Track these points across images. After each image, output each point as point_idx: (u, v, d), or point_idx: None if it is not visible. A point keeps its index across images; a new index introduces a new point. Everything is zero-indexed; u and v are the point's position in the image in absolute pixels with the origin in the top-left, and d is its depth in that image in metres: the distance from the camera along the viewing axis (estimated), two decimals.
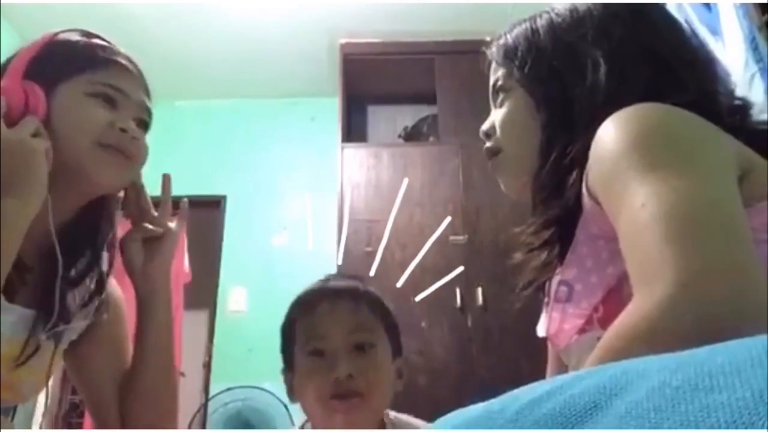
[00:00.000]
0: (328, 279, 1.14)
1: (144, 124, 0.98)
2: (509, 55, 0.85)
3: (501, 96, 0.87)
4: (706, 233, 0.51)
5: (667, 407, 0.31)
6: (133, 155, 0.94)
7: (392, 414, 1.08)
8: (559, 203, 0.73)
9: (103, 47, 0.97)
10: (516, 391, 0.40)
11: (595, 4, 0.82)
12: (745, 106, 0.78)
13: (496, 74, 0.88)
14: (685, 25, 0.85)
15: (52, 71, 0.91)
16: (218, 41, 3.65)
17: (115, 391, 1.01)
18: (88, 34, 1.00)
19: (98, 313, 1.00)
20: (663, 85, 0.73)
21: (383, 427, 1.05)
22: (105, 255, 1.01)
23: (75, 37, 0.98)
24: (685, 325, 0.46)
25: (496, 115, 0.88)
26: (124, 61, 0.97)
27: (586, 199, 0.68)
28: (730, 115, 0.73)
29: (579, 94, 0.76)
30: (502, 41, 0.88)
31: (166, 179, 1.08)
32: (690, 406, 0.30)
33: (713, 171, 0.58)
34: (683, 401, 0.31)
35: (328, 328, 1.02)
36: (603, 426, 0.33)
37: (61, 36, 0.97)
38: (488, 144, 0.89)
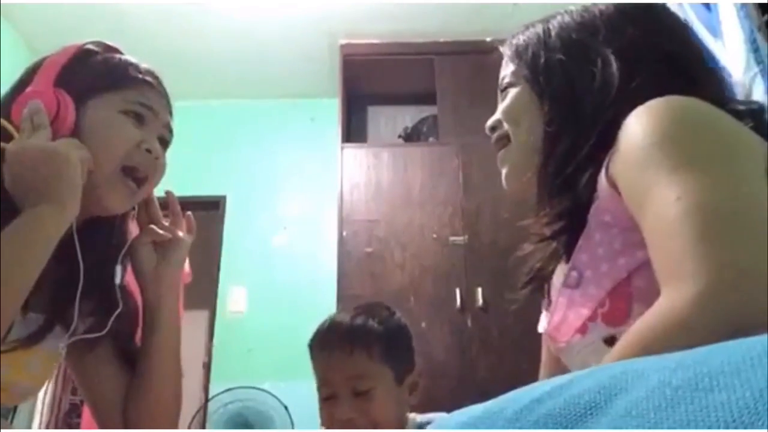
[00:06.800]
0: (332, 319, 1.22)
1: (165, 143, 1.01)
2: (519, 52, 0.86)
3: (506, 92, 0.88)
4: (740, 233, 0.52)
5: (666, 407, 0.31)
6: (150, 176, 0.97)
7: (419, 418, 1.17)
8: (570, 196, 0.74)
9: (133, 65, 0.98)
10: (516, 392, 0.40)
11: (607, 6, 0.83)
12: (760, 110, 0.78)
13: (505, 71, 0.89)
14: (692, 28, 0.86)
15: (84, 85, 0.92)
16: (219, 42, 3.65)
17: (120, 397, 1.00)
18: (115, 49, 1.00)
19: (114, 323, 0.98)
20: (675, 83, 0.73)
21: None
22: (119, 268, 1.01)
23: (104, 52, 0.99)
24: (717, 323, 0.47)
25: (500, 108, 0.89)
26: (153, 80, 0.99)
27: (603, 185, 0.68)
28: (743, 117, 0.74)
29: (588, 91, 0.76)
30: (514, 40, 0.89)
31: (170, 196, 1.09)
32: (690, 405, 0.30)
33: (747, 167, 0.58)
34: (683, 401, 0.31)
35: (328, 376, 1.13)
36: (603, 426, 0.33)
37: (90, 48, 0.98)
38: (495, 135, 0.90)
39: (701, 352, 0.34)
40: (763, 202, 0.54)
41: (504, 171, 0.89)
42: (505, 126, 0.87)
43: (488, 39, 3.52)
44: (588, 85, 0.76)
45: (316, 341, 1.19)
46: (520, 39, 0.88)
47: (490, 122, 0.91)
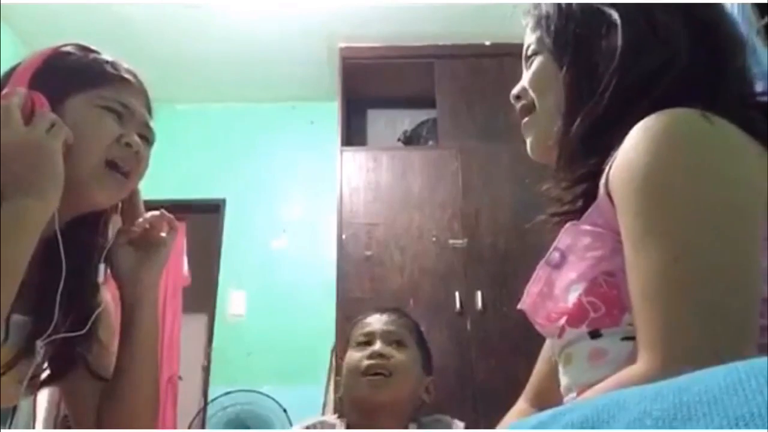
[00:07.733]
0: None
1: (146, 140, 1.00)
2: (541, 21, 0.87)
3: (531, 60, 0.89)
4: (706, 309, 0.55)
5: None
6: (133, 171, 0.96)
7: (422, 418, 1.34)
8: (588, 163, 0.74)
9: (110, 63, 0.98)
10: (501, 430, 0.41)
11: None
12: None
13: (529, 39, 0.90)
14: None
15: (60, 85, 0.92)
16: (218, 45, 3.65)
17: (96, 400, 0.99)
18: (90, 49, 1.00)
19: (94, 324, 0.98)
20: (702, 53, 0.73)
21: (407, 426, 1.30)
22: (102, 266, 1.00)
23: (79, 51, 0.98)
24: None
25: (526, 77, 0.90)
26: (131, 78, 0.98)
27: (602, 193, 0.69)
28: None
29: (608, 60, 0.76)
30: (536, 9, 0.90)
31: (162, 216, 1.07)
32: None
33: (735, 229, 0.59)
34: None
35: (372, 328, 1.36)
36: None
37: (65, 50, 0.98)
38: (519, 104, 0.91)
39: (679, 381, 0.35)
40: (747, 278, 0.57)
41: (529, 139, 0.90)
42: (531, 94, 0.88)
43: (488, 42, 3.53)
44: (608, 54, 0.76)
45: (364, 313, 1.44)
46: (542, 8, 0.88)
47: (515, 90, 0.92)
